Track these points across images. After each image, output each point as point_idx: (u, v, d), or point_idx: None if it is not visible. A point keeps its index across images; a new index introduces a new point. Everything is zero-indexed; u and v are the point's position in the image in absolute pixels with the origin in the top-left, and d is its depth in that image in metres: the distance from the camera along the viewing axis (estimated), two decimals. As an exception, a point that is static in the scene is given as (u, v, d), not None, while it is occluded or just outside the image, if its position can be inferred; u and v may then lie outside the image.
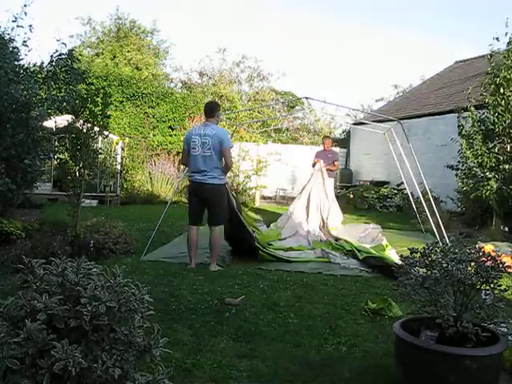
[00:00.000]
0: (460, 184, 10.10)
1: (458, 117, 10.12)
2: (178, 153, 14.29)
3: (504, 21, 9.31)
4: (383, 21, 44.35)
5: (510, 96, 9.06)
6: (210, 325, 3.87)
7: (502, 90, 9.08)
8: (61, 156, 6.76)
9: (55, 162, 9.40)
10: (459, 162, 10.05)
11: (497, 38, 9.68)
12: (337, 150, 10.44)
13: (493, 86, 9.36)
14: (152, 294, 2.15)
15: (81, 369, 1.76)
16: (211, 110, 5.96)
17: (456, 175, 10.11)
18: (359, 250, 6.79)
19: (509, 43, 9.42)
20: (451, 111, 11.30)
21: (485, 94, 9.72)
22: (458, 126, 10.01)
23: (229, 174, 13.11)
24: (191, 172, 5.90)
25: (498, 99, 9.16)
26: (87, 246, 5.88)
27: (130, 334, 1.96)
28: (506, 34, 9.43)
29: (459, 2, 42.32)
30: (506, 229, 8.87)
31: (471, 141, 9.62)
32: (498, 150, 9.33)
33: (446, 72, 18.84)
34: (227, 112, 14.28)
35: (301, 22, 41.91)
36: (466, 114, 9.99)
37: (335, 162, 9.74)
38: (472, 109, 9.83)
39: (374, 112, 18.12)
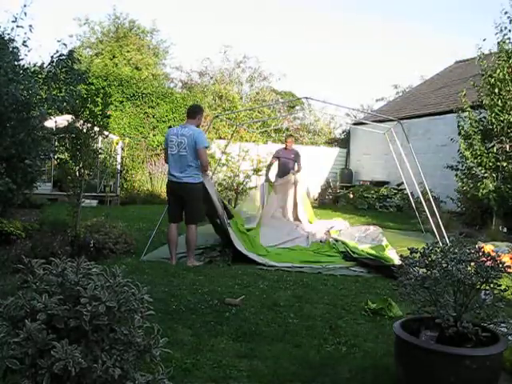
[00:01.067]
0: (460, 184, 10.10)
1: (457, 117, 10.13)
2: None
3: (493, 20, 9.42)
4: (383, 21, 44.38)
5: (506, 96, 9.08)
6: (210, 325, 3.87)
7: (496, 90, 9.10)
8: (61, 156, 6.79)
9: (55, 162, 9.42)
10: (459, 162, 10.05)
11: (484, 39, 9.85)
12: (297, 148, 9.88)
13: (488, 87, 9.39)
14: (152, 294, 2.15)
15: (81, 369, 1.76)
16: (193, 112, 6.15)
17: (456, 175, 10.11)
18: (354, 252, 6.79)
19: (499, 44, 9.47)
20: (451, 111, 11.30)
21: (481, 94, 9.75)
22: (458, 127, 10.01)
23: (229, 174, 13.12)
24: (169, 171, 6.10)
25: (495, 99, 9.17)
26: (87, 245, 5.88)
27: (130, 334, 1.96)
28: (500, 32, 9.46)
29: (459, 1, 42.36)
30: (505, 229, 8.87)
31: (470, 141, 9.64)
32: (497, 149, 9.33)
33: (445, 72, 18.83)
34: (227, 112, 14.25)
35: (300, 22, 41.99)
36: (464, 114, 10.00)
37: (298, 164, 9.54)
38: (469, 109, 9.84)
39: (374, 112, 18.10)
